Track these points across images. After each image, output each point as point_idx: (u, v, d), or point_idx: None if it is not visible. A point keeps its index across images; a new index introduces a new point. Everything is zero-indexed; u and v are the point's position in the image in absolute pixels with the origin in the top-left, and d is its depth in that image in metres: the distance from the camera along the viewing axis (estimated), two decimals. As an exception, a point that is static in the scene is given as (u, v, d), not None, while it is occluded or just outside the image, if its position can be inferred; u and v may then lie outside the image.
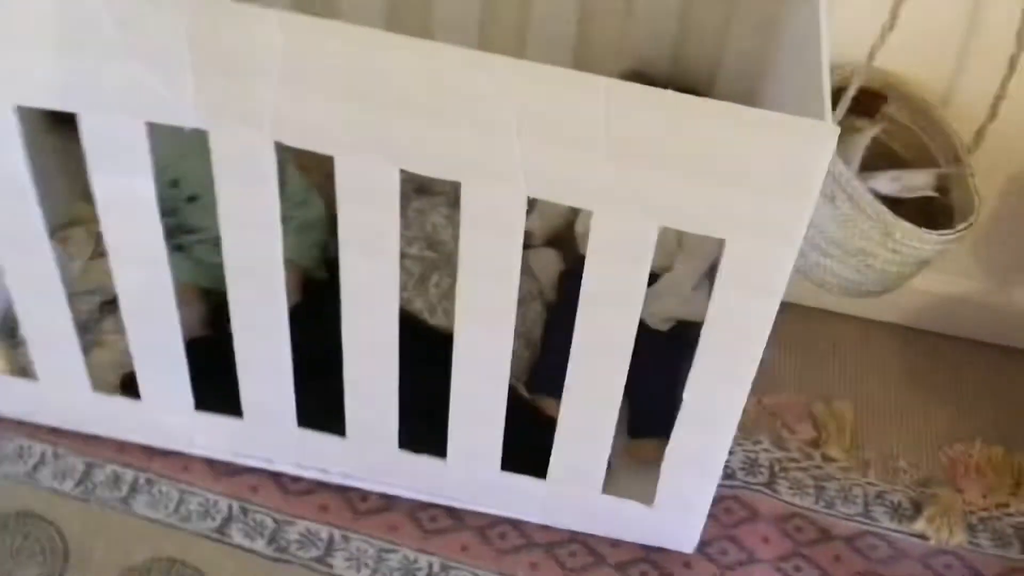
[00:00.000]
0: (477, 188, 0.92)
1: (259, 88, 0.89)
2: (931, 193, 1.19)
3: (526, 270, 1.14)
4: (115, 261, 1.06)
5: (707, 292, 1.31)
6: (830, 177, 1.09)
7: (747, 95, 1.31)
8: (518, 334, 1.04)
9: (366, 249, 0.99)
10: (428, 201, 1.35)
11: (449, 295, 1.27)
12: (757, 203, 0.86)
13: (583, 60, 1.33)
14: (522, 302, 1.19)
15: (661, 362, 1.25)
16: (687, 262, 1.31)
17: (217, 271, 1.14)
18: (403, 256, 1.26)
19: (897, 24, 1.09)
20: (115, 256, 1.06)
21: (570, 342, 1.02)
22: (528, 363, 1.30)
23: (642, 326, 0.98)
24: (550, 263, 1.41)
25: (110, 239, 1.04)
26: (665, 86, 1.33)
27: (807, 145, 0.81)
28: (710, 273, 1.32)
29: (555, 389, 1.11)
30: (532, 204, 0.93)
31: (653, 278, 1.30)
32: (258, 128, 0.92)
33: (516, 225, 0.94)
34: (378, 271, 1.00)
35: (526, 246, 0.96)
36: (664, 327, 1.32)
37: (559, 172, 0.89)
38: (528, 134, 0.87)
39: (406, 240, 1.28)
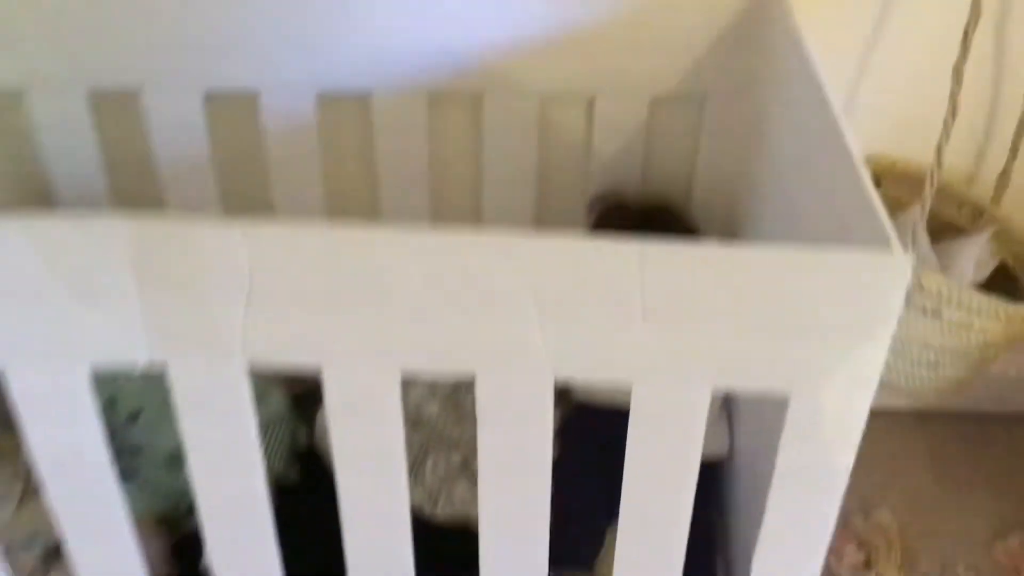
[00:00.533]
0: (495, 379, 0.78)
1: (224, 310, 0.75)
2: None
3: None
4: (54, 501, 0.88)
5: (726, 426, 1.20)
6: (928, 295, 1.01)
7: (728, 207, 1.22)
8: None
9: (369, 467, 0.84)
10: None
11: (450, 479, 1.12)
12: (824, 352, 0.75)
13: (546, 192, 1.23)
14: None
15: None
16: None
17: (172, 493, 0.97)
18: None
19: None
20: (54, 496, 0.88)
21: (590, 506, 0.89)
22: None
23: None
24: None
25: (48, 485, 0.87)
26: (638, 207, 1.26)
27: (880, 281, 0.71)
28: (725, 404, 1.20)
29: (582, 560, 0.97)
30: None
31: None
32: (226, 355, 0.77)
33: (544, 413, 0.81)
34: (385, 490, 0.86)
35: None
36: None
37: (591, 349, 0.76)
38: (551, 313, 0.74)
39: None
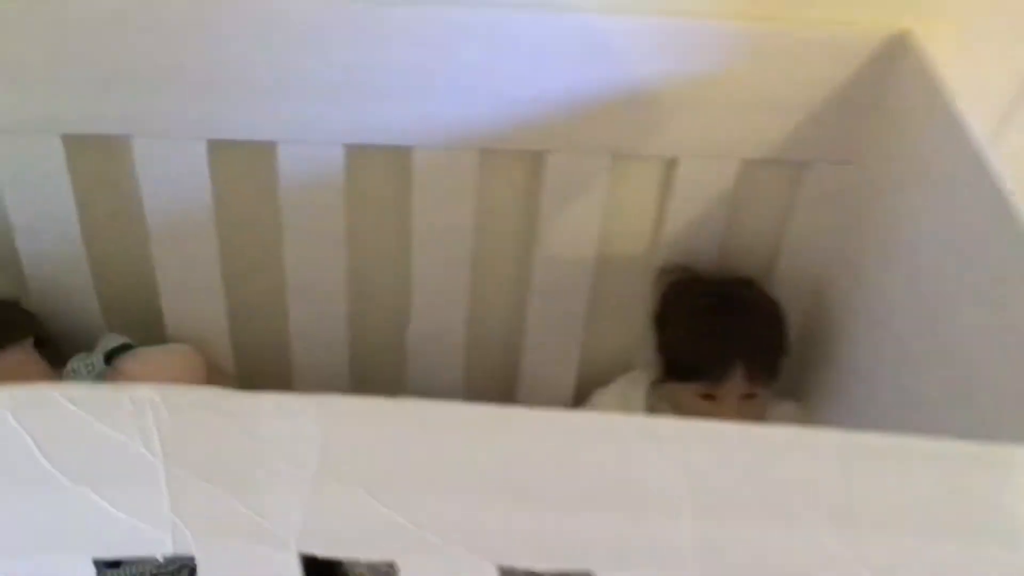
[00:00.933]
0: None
1: (277, 498, 0.56)
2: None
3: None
4: None
5: None
6: None
7: (816, 287, 1.06)
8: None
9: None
10: None
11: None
12: None
13: (608, 262, 1.05)
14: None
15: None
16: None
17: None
18: None
19: None
20: None
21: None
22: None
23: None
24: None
25: None
26: (716, 282, 1.09)
27: None
28: None
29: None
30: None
31: None
32: (278, 545, 0.59)
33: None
34: None
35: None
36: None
37: (748, 549, 0.60)
38: (704, 506, 0.57)
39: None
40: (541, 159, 0.98)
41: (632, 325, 1.13)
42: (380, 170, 0.99)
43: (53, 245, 1.00)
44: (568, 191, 0.99)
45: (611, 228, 1.03)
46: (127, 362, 1.00)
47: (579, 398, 1.17)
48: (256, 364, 1.16)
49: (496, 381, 1.21)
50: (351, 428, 0.56)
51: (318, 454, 0.56)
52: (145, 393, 0.54)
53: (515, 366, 1.16)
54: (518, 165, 1.00)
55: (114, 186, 0.99)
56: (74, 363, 1.00)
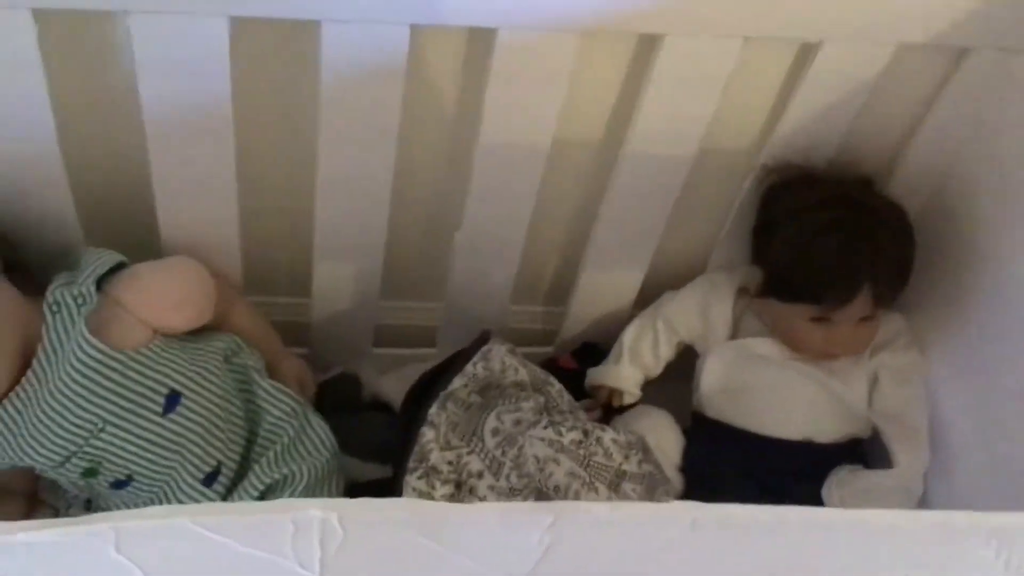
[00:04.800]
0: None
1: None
2: None
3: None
4: None
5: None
6: None
7: (941, 184, 0.91)
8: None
9: None
10: (506, 414, 0.87)
11: None
12: None
13: (706, 154, 0.88)
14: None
15: None
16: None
17: None
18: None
19: None
20: None
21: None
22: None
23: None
24: (660, 429, 0.98)
25: None
26: (834, 181, 0.93)
27: None
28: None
29: None
30: None
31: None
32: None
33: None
34: None
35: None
36: None
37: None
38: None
39: (503, 499, 0.82)
40: (656, 43, 0.78)
41: (712, 224, 0.97)
42: (449, 55, 0.78)
43: (21, 143, 0.76)
44: (679, 78, 0.80)
45: (719, 120, 0.85)
46: (124, 290, 0.79)
47: (642, 300, 1.02)
48: (269, 274, 0.97)
49: (548, 282, 1.05)
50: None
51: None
52: (315, 513, 0.37)
53: (573, 266, 1.00)
54: (621, 50, 0.80)
55: (97, 72, 0.75)
56: (56, 293, 0.79)
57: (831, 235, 0.85)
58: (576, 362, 1.07)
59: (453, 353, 0.95)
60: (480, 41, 0.77)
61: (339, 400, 1.01)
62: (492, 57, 0.76)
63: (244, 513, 0.37)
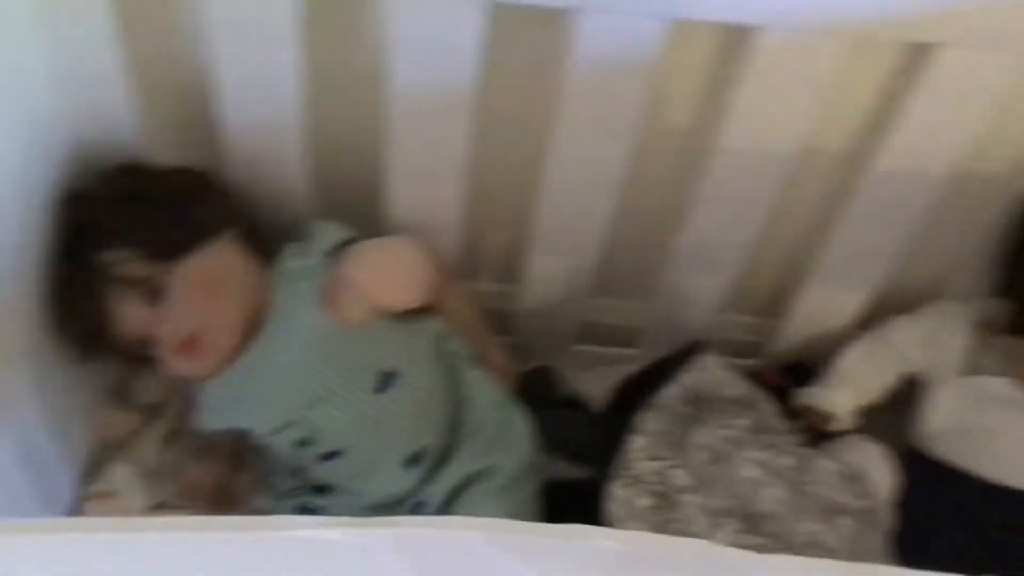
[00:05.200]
0: None
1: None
2: None
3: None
4: None
5: None
6: None
7: None
8: None
9: None
10: (718, 430, 0.83)
11: None
12: None
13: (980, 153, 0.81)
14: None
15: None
16: None
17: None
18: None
19: None
20: None
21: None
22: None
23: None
24: (873, 461, 0.92)
25: None
26: None
27: None
28: None
29: None
30: None
31: None
32: None
33: None
34: None
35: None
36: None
37: None
38: None
39: (709, 519, 0.79)
40: (929, 53, 0.72)
41: (954, 249, 0.91)
42: (699, 54, 0.74)
43: (268, 112, 0.78)
44: (952, 91, 0.74)
45: (986, 138, 0.78)
46: (352, 266, 0.80)
47: (864, 322, 0.97)
48: (481, 260, 0.96)
49: (764, 293, 1.00)
50: None
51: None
52: (609, 544, 0.34)
53: (794, 279, 0.95)
54: (885, 57, 0.74)
55: (349, 48, 0.76)
56: (288, 262, 0.81)
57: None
58: (783, 379, 1.02)
59: (659, 358, 0.92)
60: (736, 41, 0.73)
61: (536, 394, 1.00)
62: (749, 57, 0.72)
63: (542, 535, 0.35)
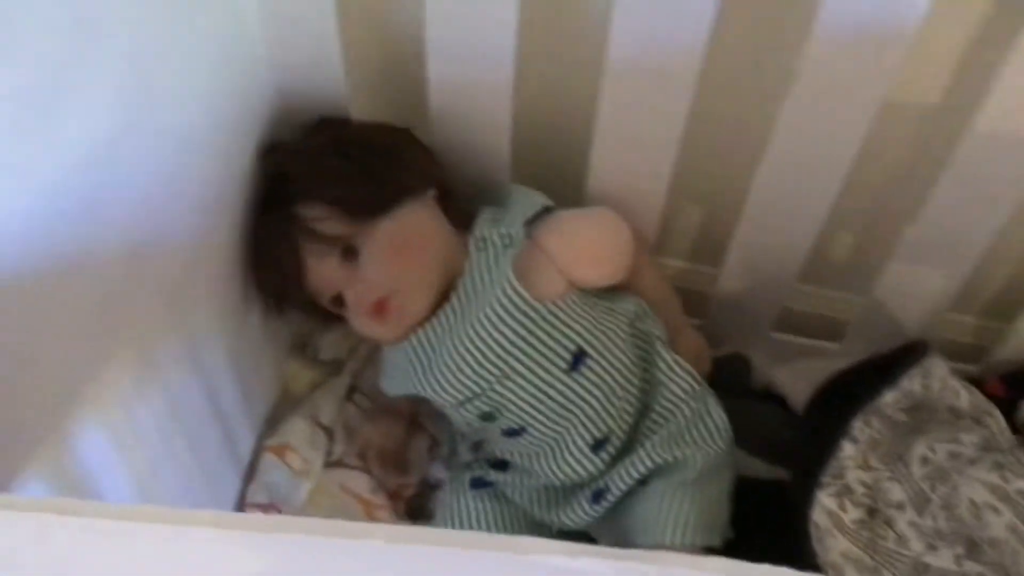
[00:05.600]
0: None
1: None
2: None
3: None
4: None
5: None
6: None
7: None
8: None
9: None
10: (941, 444, 0.75)
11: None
12: None
13: None
14: None
15: None
16: None
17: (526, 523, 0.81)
18: (923, 572, 0.70)
19: None
20: None
21: None
22: None
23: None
24: None
25: None
26: None
27: None
28: None
29: None
30: None
31: None
32: None
33: None
34: None
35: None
36: None
37: None
38: None
39: (925, 540, 0.71)
40: None
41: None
42: (967, 20, 0.66)
43: (472, 72, 0.74)
44: None
45: None
46: (550, 237, 0.75)
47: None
48: (681, 237, 0.90)
49: (994, 292, 0.90)
50: None
51: None
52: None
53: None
54: None
55: (567, 5, 0.71)
56: (484, 229, 0.77)
57: None
58: (1008, 390, 0.92)
59: (876, 356, 0.84)
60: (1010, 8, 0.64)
61: (727, 382, 0.94)
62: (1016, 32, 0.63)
63: None
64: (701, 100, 0.75)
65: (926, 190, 0.77)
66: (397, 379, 0.81)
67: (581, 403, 0.76)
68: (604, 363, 0.77)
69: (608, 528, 0.80)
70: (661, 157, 0.78)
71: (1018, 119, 0.69)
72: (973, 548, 0.72)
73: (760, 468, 0.86)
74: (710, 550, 0.76)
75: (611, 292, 0.80)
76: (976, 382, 0.94)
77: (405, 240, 0.75)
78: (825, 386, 0.84)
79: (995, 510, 0.72)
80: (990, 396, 0.92)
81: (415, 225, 0.76)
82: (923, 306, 0.88)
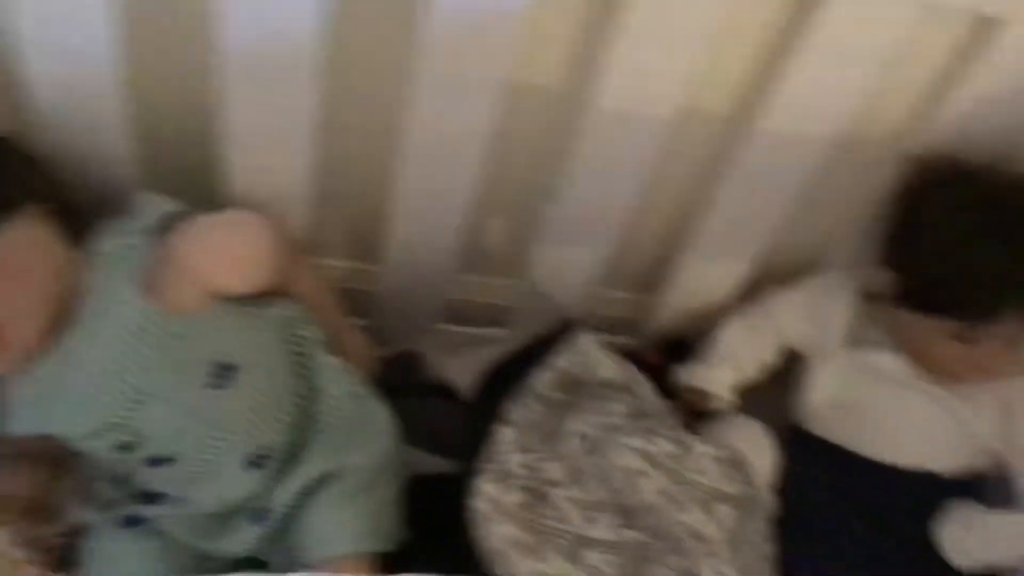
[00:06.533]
0: None
1: None
2: None
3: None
4: None
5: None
6: None
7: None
8: None
9: None
10: (593, 416, 0.77)
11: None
12: None
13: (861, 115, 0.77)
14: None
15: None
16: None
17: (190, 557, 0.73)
18: (585, 546, 0.72)
19: None
20: None
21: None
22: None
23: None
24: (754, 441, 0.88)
25: None
26: (993, 182, 0.82)
27: None
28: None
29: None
30: None
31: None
32: None
33: None
34: None
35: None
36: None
37: None
38: None
39: (584, 513, 0.73)
40: (815, 5, 0.67)
41: (837, 218, 0.87)
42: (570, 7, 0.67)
43: (75, 68, 0.67)
44: (838, 47, 0.68)
45: (873, 97, 0.73)
46: (182, 244, 0.70)
47: (744, 296, 0.92)
48: (334, 235, 0.87)
49: (642, 267, 0.94)
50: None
51: None
52: None
53: (672, 251, 0.89)
54: (773, 9, 0.69)
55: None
56: (104, 242, 0.70)
57: (988, 241, 0.74)
58: (661, 358, 0.96)
59: (529, 340, 0.85)
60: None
61: (399, 381, 0.92)
62: (619, 11, 0.65)
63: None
64: (332, 94, 0.73)
65: (562, 170, 0.79)
66: (20, 417, 0.72)
67: (232, 421, 0.71)
68: (255, 375, 0.72)
69: (280, 548, 0.76)
70: (298, 154, 0.75)
71: (636, 96, 0.72)
72: (629, 515, 0.74)
73: (436, 464, 0.85)
74: (385, 556, 0.74)
75: (261, 299, 0.76)
76: (635, 353, 0.98)
77: (9, 260, 0.66)
78: (487, 374, 0.84)
79: (645, 475, 0.74)
80: (648, 365, 0.97)
81: (20, 243, 0.67)
82: (576, 285, 0.90)
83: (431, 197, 0.79)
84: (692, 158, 0.81)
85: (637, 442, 0.75)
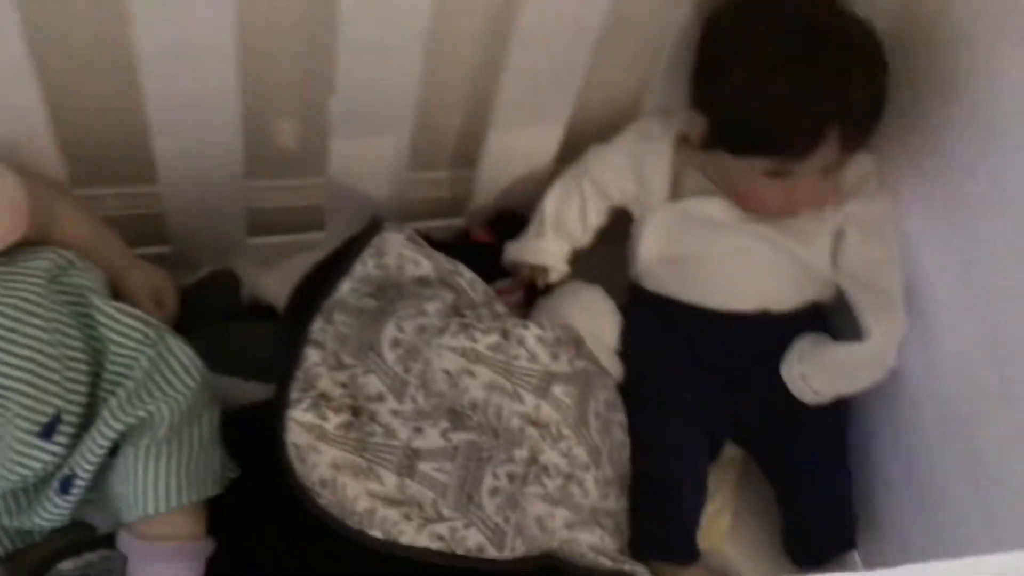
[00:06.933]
0: None
1: None
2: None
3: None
4: None
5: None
6: None
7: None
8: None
9: None
10: (408, 321, 0.71)
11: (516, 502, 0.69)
12: None
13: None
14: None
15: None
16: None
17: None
18: (416, 458, 0.68)
19: None
20: None
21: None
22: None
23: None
24: (594, 307, 0.84)
25: None
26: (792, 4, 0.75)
27: None
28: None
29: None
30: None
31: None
32: None
33: None
34: None
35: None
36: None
37: None
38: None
39: (410, 424, 0.68)
40: None
41: (642, 64, 0.80)
42: None
43: None
44: None
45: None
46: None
47: (565, 157, 0.86)
48: (99, 161, 0.78)
49: (452, 143, 0.87)
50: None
51: None
52: None
53: (480, 123, 0.82)
54: None
55: None
56: None
57: (788, 71, 0.69)
58: (492, 234, 0.91)
59: (344, 241, 0.79)
60: None
61: (213, 306, 0.85)
62: None
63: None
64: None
65: (334, 61, 0.71)
66: None
67: (10, 388, 0.65)
68: (21, 337, 0.65)
69: (101, 511, 0.71)
70: (29, 89, 0.65)
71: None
72: (457, 418, 0.70)
73: (257, 390, 0.79)
74: (209, 500, 0.70)
75: (16, 251, 0.68)
76: (463, 234, 0.93)
77: None
78: (299, 285, 0.78)
79: (469, 373, 0.70)
80: (479, 244, 0.92)
81: None
82: (383, 174, 0.83)
83: (184, 108, 0.70)
84: (470, 27, 0.73)
85: (456, 341, 0.70)
